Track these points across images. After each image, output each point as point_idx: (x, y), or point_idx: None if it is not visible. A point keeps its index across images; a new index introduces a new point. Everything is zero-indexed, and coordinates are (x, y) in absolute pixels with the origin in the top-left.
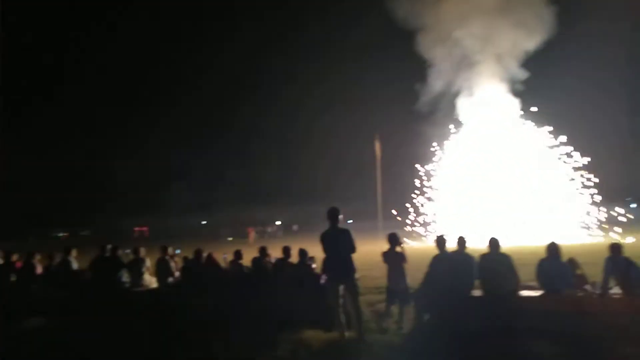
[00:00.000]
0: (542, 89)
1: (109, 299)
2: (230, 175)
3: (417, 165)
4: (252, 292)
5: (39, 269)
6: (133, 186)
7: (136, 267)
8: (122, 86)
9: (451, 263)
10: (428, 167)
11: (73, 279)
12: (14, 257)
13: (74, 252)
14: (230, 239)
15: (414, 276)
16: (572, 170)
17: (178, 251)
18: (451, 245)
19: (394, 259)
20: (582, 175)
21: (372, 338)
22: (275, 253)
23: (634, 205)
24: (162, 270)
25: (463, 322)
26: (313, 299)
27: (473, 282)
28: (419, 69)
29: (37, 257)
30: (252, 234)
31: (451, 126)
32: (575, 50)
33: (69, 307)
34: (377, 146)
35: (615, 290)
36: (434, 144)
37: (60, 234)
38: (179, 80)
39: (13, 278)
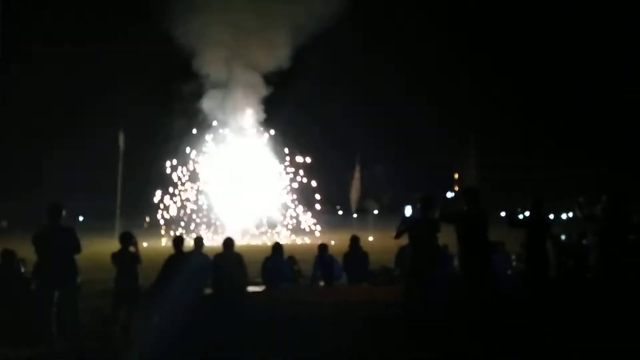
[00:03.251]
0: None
1: None
2: None
3: (168, 164)
4: None
5: None
6: None
7: None
8: None
9: (186, 263)
10: (178, 166)
11: None
12: None
13: None
14: None
15: (150, 277)
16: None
17: None
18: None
19: (126, 259)
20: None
21: (93, 346)
22: None
23: (340, 212)
24: None
25: (193, 320)
26: (18, 309)
27: (207, 281)
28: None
29: None
30: None
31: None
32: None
33: None
34: (121, 140)
35: (322, 282)
36: (187, 148)
37: None
38: None
39: None
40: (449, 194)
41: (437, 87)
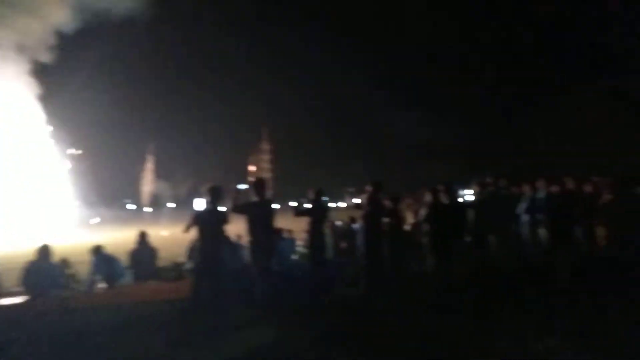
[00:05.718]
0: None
1: None
2: None
3: None
4: None
5: None
6: None
7: None
8: None
9: None
10: None
11: None
12: None
13: None
14: None
15: None
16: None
17: None
18: None
19: None
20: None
21: None
22: None
23: (131, 206)
24: None
25: None
26: None
27: None
28: None
29: None
30: None
31: None
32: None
33: None
34: None
35: (103, 285)
36: None
37: None
38: None
39: None
40: (241, 186)
41: (229, 80)
